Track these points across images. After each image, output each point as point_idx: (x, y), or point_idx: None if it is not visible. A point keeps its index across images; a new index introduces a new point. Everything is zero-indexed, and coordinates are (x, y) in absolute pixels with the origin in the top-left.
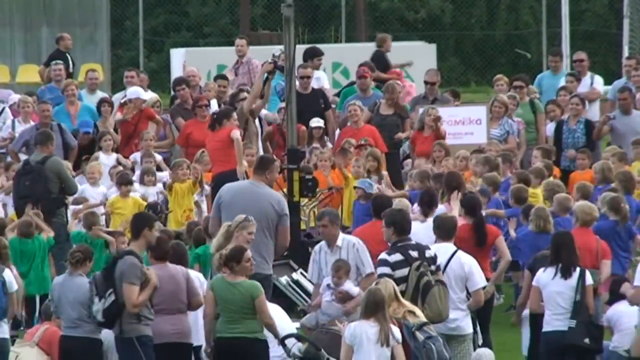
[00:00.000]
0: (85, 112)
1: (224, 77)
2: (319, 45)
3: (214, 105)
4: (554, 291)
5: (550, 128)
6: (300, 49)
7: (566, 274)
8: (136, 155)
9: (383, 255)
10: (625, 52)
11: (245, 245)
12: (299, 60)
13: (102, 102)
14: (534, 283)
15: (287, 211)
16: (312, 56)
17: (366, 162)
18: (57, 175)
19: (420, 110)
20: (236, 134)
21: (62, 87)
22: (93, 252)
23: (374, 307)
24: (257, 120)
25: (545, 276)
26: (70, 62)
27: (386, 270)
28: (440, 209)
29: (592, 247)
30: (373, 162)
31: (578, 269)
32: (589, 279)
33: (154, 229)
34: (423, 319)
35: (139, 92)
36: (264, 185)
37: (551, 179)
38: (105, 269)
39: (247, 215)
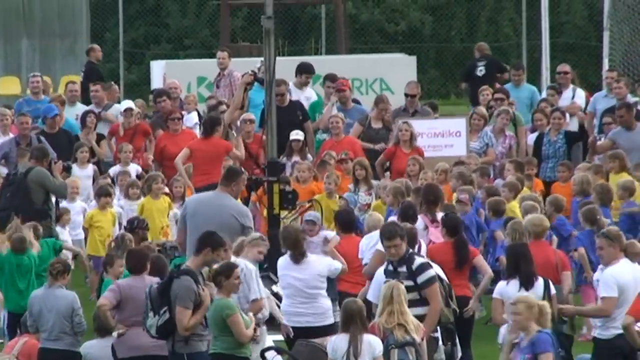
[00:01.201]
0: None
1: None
2: (298, 58)
3: (194, 117)
4: None
5: (531, 139)
6: (282, 61)
7: (527, 285)
8: (116, 169)
9: (425, 260)
10: (605, 65)
11: (255, 262)
12: (287, 72)
13: (87, 113)
14: (496, 295)
15: (250, 224)
16: (302, 72)
17: (354, 171)
18: (42, 185)
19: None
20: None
21: (39, 99)
22: (71, 265)
23: (344, 320)
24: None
25: (510, 289)
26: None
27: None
28: (419, 222)
29: (551, 259)
30: (361, 171)
31: (541, 279)
32: (553, 289)
33: (216, 253)
34: (411, 336)
35: (122, 106)
36: (228, 196)
37: (528, 192)
38: (162, 284)
39: (260, 234)
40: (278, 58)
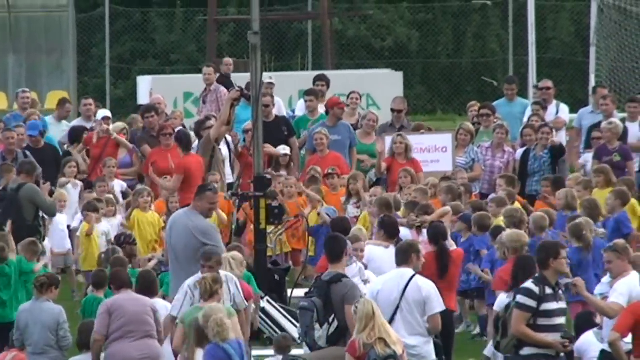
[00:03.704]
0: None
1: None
2: (285, 73)
3: None
4: None
5: (518, 154)
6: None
7: None
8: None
9: None
10: (592, 81)
11: None
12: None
13: (76, 129)
14: (496, 308)
15: (208, 240)
16: (316, 80)
17: (348, 184)
18: (32, 202)
19: (388, 138)
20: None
21: (25, 115)
22: (59, 279)
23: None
24: (223, 146)
25: (508, 302)
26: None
27: None
28: (407, 234)
29: None
30: (355, 185)
31: None
32: None
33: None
34: (392, 348)
35: (106, 113)
36: (195, 213)
37: (511, 205)
38: (320, 295)
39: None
40: (264, 74)
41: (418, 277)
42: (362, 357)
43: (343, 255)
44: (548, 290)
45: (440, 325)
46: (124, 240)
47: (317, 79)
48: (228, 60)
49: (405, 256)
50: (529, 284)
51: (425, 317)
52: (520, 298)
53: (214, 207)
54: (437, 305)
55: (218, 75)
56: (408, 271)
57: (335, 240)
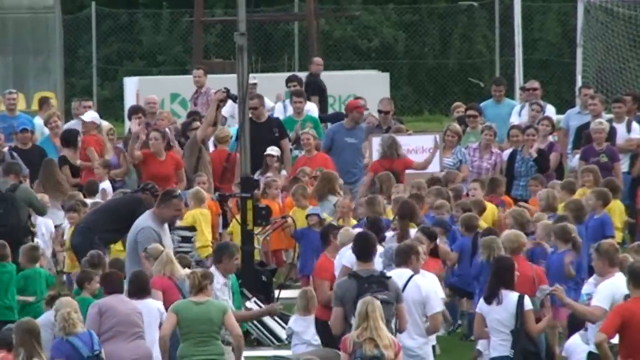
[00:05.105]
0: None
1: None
2: (272, 74)
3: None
4: (495, 319)
5: (505, 155)
6: (255, 77)
7: (487, 299)
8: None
9: None
10: (579, 82)
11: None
12: (260, 89)
13: (74, 131)
14: (477, 310)
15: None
16: (287, 82)
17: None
18: (29, 202)
19: (375, 139)
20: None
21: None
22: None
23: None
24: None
25: (486, 304)
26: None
27: None
28: (391, 235)
29: (528, 274)
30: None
31: (515, 295)
32: (527, 305)
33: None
34: (381, 351)
35: (93, 116)
36: (146, 218)
37: (515, 207)
38: (386, 289)
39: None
40: (251, 74)
41: (417, 277)
42: (352, 354)
43: (374, 254)
44: None
45: (440, 326)
46: (150, 187)
47: (289, 80)
48: (318, 59)
49: (404, 257)
50: None
51: (424, 320)
52: None
53: (179, 215)
54: (437, 304)
55: (308, 75)
56: (406, 271)
57: (367, 238)
